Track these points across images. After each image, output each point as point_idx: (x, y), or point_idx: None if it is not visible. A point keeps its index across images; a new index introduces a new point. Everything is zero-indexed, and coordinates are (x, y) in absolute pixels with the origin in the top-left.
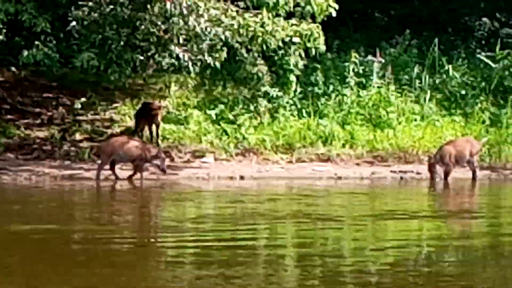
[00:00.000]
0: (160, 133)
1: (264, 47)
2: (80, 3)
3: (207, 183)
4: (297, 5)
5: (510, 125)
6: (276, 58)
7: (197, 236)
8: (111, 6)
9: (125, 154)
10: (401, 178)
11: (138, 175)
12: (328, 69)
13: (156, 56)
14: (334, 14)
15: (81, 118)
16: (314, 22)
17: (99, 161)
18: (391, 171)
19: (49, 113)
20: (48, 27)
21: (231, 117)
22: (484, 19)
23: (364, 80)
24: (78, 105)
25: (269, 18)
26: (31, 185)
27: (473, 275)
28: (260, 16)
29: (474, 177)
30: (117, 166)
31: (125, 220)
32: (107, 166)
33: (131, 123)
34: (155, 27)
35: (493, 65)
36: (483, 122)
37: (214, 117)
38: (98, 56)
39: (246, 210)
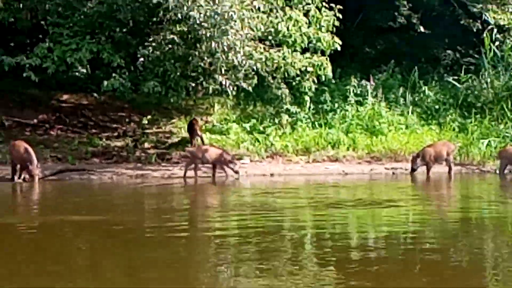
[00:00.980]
0: (205, 141)
1: (286, 74)
2: (146, 43)
3: (246, 179)
4: (309, 42)
5: (474, 132)
6: (294, 83)
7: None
8: (170, 46)
9: (208, 157)
10: (393, 173)
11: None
12: (333, 91)
13: (204, 83)
14: (339, 48)
15: (147, 131)
16: (323, 55)
17: (185, 163)
18: (385, 168)
19: (123, 128)
20: (122, 62)
21: (261, 128)
22: (448, 51)
23: (361, 99)
24: (145, 121)
25: (288, 53)
26: (113, 183)
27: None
28: (282, 51)
29: (449, 172)
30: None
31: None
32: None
33: (185, 134)
34: (202, 61)
35: (458, 85)
36: (454, 129)
37: (249, 129)
38: (160, 83)
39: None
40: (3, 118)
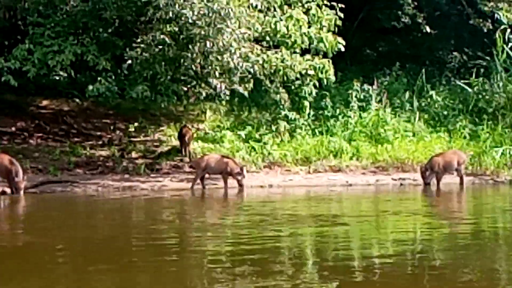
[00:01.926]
0: (191, 151)
1: (285, 78)
2: (134, 45)
3: (243, 191)
4: (310, 43)
5: (486, 139)
6: (292, 87)
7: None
8: (160, 47)
9: (216, 168)
10: (401, 184)
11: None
12: (334, 96)
13: (196, 87)
14: (342, 49)
15: (135, 139)
16: (324, 57)
17: (194, 174)
18: (392, 179)
19: (109, 136)
20: (108, 65)
21: (257, 136)
22: (455, 53)
23: (364, 104)
24: (131, 129)
25: (288, 54)
26: (99, 195)
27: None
28: (280, 53)
29: (461, 183)
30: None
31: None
32: None
33: (175, 142)
34: (194, 63)
35: (469, 90)
36: (464, 137)
37: (244, 137)
38: (150, 88)
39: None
40: None
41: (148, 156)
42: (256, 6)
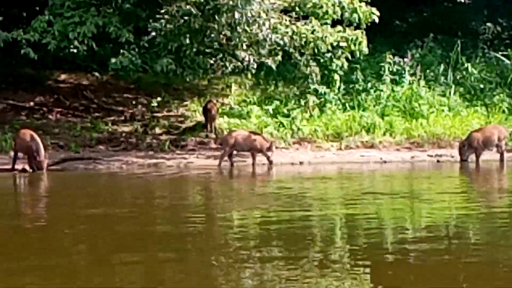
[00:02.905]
0: (217, 126)
1: (315, 51)
2: (158, 16)
3: (273, 168)
4: (342, 14)
5: None
6: (322, 60)
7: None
8: (185, 18)
9: (245, 145)
10: (438, 161)
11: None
12: (365, 69)
13: (223, 59)
14: (376, 20)
15: (158, 114)
16: (357, 28)
17: (222, 151)
18: (428, 155)
19: (130, 111)
20: (131, 37)
21: (285, 111)
22: (488, 24)
23: (397, 78)
24: (154, 104)
25: (318, 26)
26: (123, 172)
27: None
28: (310, 24)
29: (502, 159)
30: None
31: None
32: None
33: (200, 118)
34: (220, 35)
35: (507, 61)
36: (503, 111)
37: (271, 112)
38: (174, 61)
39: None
40: None
41: (172, 132)
42: None
